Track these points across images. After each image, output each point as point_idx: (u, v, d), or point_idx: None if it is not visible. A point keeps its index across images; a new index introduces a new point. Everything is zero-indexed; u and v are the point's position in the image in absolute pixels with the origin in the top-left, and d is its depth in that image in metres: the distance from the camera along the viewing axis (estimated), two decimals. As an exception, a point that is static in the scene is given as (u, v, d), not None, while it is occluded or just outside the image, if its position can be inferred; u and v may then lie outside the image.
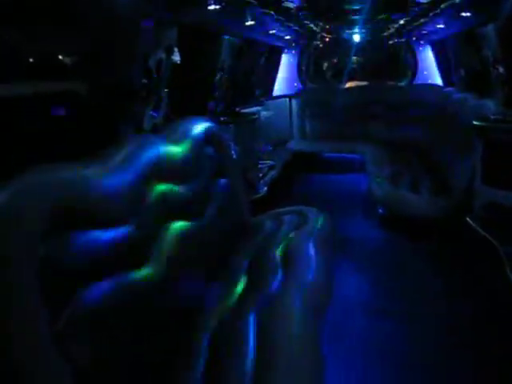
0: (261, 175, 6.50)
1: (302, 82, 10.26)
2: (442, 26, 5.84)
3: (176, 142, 3.21)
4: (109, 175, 2.33)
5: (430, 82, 9.32)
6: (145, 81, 3.08)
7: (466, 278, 4.31)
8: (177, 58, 3.59)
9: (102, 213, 2.14)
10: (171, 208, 2.80)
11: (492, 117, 4.47)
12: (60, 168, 2.09)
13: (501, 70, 4.99)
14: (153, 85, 3.15)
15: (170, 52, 3.37)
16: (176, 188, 2.95)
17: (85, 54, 2.77)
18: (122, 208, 2.30)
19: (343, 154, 8.92)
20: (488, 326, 3.57)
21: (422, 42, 9.30)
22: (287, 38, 8.12)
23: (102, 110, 2.93)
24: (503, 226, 4.01)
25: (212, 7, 3.28)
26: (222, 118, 5.33)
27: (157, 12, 2.94)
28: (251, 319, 2.47)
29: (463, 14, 4.73)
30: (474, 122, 4.46)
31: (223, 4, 3.30)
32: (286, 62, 10.00)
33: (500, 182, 4.22)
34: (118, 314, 1.98)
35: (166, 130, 3.37)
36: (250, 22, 4.76)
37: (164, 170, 2.86)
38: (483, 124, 4.41)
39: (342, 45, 10.41)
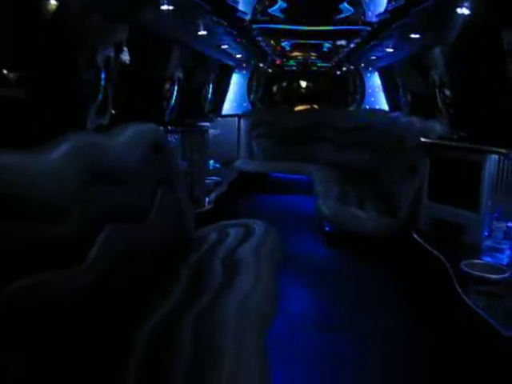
0: (207, 191, 6.39)
1: (252, 102, 10.29)
2: (390, 49, 5.93)
3: (121, 145, 3.06)
4: (48, 167, 2.18)
5: (377, 107, 9.52)
6: (91, 76, 2.95)
7: (410, 292, 4.33)
8: (126, 57, 3.47)
9: (39, 205, 1.99)
10: (110, 209, 2.64)
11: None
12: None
13: (447, 92, 5.10)
14: (99, 81, 3.02)
15: (119, 50, 3.25)
16: (118, 189, 2.80)
17: (28, 41, 2.62)
18: (60, 203, 2.15)
19: (291, 175, 8.94)
20: (436, 340, 3.56)
21: (370, 69, 9.50)
22: (238, 56, 8.11)
23: (44, 102, 2.77)
24: (449, 240, 4.06)
25: (165, 7, 3.19)
26: (169, 128, 5.22)
27: (107, 5, 2.83)
28: (189, 325, 2.36)
29: (412, 36, 4.81)
30: (422, 139, 4.55)
31: (175, 5, 3.21)
32: (236, 81, 10.03)
33: (445, 199, 4.30)
34: (43, 314, 1.83)
35: (112, 130, 3.22)
36: (201, 32, 4.70)
37: (106, 170, 2.71)
38: (430, 141, 4.50)
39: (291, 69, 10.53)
